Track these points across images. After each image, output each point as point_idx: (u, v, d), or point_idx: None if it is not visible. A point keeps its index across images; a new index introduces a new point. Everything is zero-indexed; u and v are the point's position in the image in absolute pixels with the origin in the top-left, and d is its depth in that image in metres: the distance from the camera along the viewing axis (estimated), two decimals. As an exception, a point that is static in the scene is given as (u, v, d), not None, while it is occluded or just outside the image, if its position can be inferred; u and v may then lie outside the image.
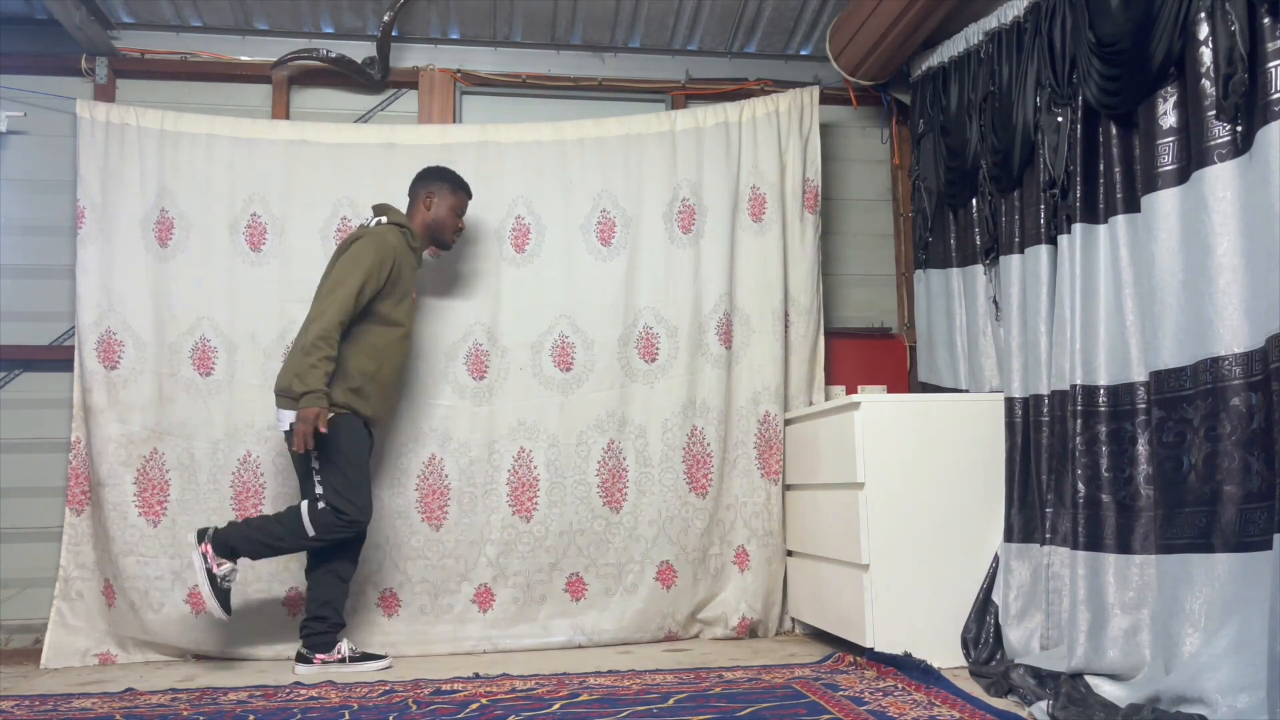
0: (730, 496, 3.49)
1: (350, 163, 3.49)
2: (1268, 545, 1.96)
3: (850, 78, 3.78)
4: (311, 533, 2.86)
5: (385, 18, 3.58)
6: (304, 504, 2.88)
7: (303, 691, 2.63)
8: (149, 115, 3.41)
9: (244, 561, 2.95)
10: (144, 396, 3.29)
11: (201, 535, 2.87)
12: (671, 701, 2.37)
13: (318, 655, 2.94)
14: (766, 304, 3.56)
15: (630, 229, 3.56)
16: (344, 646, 2.97)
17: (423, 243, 3.18)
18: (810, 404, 3.56)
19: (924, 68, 3.57)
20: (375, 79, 3.71)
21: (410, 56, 3.79)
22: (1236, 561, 2.05)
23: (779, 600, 3.49)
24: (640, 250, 3.55)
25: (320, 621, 2.98)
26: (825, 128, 3.81)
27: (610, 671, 2.81)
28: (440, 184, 3.19)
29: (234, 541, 2.86)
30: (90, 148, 3.38)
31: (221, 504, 3.27)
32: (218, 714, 2.37)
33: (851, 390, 3.71)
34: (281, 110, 3.66)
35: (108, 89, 3.59)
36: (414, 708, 2.38)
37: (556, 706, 2.35)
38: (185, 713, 2.38)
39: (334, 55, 3.65)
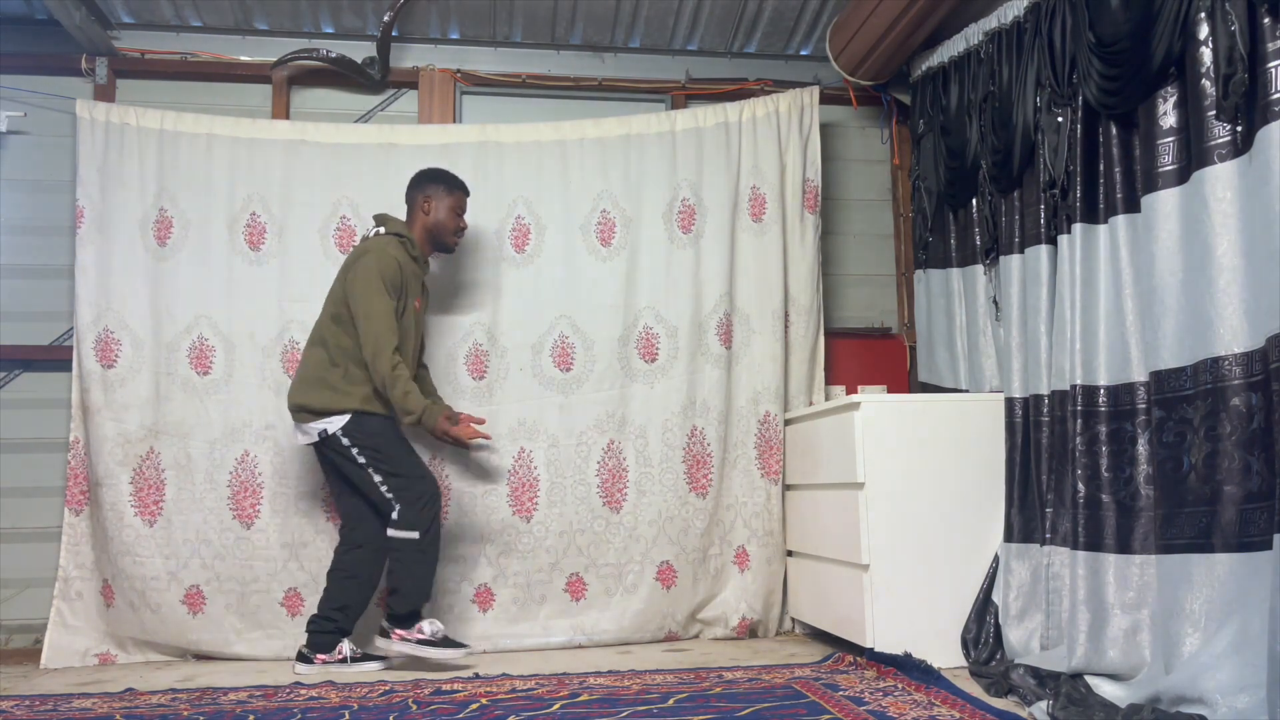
0: (730, 496, 3.49)
1: (350, 163, 3.48)
2: (1268, 545, 1.96)
3: (850, 78, 3.78)
4: (417, 535, 2.89)
5: (385, 18, 3.58)
6: (388, 530, 2.91)
7: (303, 691, 2.63)
8: (149, 115, 3.41)
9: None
10: (141, 396, 3.28)
11: (384, 631, 2.92)
12: (671, 701, 2.37)
13: (319, 655, 2.94)
14: (766, 304, 3.56)
15: (630, 229, 3.56)
16: (345, 647, 2.96)
17: (424, 249, 3.15)
18: (810, 404, 3.56)
19: (924, 68, 3.57)
20: (375, 79, 3.71)
21: (410, 56, 3.79)
22: (1236, 561, 2.05)
23: (779, 600, 3.49)
24: (640, 250, 3.54)
25: (329, 622, 2.98)
26: (825, 128, 3.81)
27: (610, 671, 2.81)
28: (436, 186, 3.16)
29: (403, 608, 2.90)
30: (90, 148, 3.38)
31: (218, 504, 3.26)
32: (218, 714, 2.37)
33: (851, 390, 3.71)
34: (281, 110, 3.66)
35: (107, 89, 3.59)
36: (414, 708, 2.38)
37: (556, 706, 2.35)
38: (185, 713, 2.38)
39: (334, 55, 3.65)
